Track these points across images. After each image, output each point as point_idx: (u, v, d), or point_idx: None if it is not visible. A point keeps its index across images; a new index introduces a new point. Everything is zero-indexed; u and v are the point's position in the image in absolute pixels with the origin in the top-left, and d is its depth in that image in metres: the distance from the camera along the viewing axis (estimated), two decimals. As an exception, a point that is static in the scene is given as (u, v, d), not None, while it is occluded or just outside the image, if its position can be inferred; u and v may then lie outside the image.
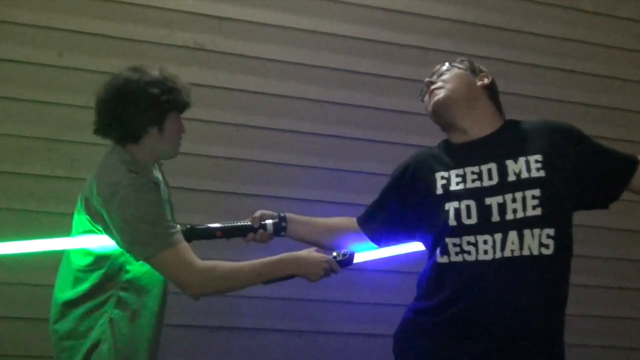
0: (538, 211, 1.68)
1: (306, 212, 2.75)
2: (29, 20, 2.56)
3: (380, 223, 1.96)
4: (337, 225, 2.05)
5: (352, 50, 2.90)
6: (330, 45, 2.87)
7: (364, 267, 2.80)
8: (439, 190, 1.78)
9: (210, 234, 1.99)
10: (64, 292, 1.95)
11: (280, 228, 2.00)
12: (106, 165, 1.88)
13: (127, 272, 1.87)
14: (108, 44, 2.63)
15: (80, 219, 1.90)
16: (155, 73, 1.90)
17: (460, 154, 1.84)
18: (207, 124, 2.71)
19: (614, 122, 3.18)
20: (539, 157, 1.76)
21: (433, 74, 1.94)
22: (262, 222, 2.00)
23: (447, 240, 1.71)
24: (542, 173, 1.73)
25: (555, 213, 1.71)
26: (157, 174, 2.01)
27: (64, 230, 2.53)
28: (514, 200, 1.70)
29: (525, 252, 1.66)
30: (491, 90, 1.92)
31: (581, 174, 1.82)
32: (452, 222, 1.72)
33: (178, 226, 1.89)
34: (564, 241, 1.70)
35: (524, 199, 1.70)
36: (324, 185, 2.82)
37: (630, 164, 1.91)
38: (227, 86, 2.75)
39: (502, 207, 1.70)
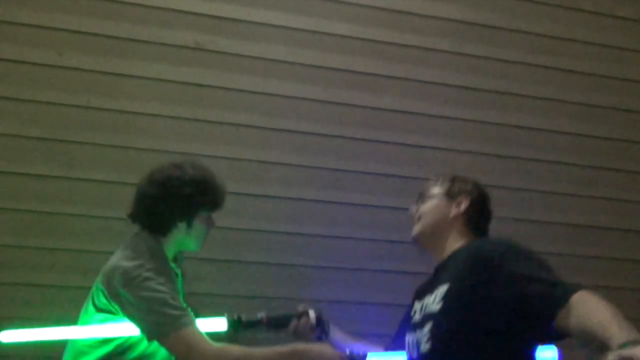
0: (429, 345, 1.68)
1: (306, 212, 2.77)
2: (29, 20, 2.56)
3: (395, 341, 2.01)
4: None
5: (352, 50, 2.89)
6: (330, 45, 2.87)
7: (365, 267, 2.81)
8: (412, 320, 1.86)
9: (256, 322, 2.08)
10: None
11: (322, 322, 2.07)
12: (131, 248, 1.99)
13: (134, 351, 1.93)
14: (108, 44, 2.63)
15: (97, 293, 1.99)
16: (193, 172, 2.04)
17: (429, 280, 1.88)
18: (207, 124, 2.71)
19: (614, 122, 3.18)
20: (445, 287, 1.70)
21: (418, 198, 2.00)
22: (305, 310, 2.07)
23: None
24: (439, 306, 1.69)
25: (448, 348, 1.63)
26: (176, 266, 2.10)
27: (64, 230, 2.54)
28: (419, 336, 1.74)
29: None
30: (468, 216, 1.91)
31: (493, 306, 1.58)
32: (408, 353, 1.82)
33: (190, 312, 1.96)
34: None
35: (422, 333, 1.71)
36: (324, 185, 2.82)
37: (553, 303, 1.52)
38: (227, 86, 2.74)
39: (413, 344, 1.78)
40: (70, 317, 2.52)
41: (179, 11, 2.71)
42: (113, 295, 1.93)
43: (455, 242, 1.86)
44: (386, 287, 2.78)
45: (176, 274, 2.07)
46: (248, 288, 2.69)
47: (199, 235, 2.08)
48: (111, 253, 2.59)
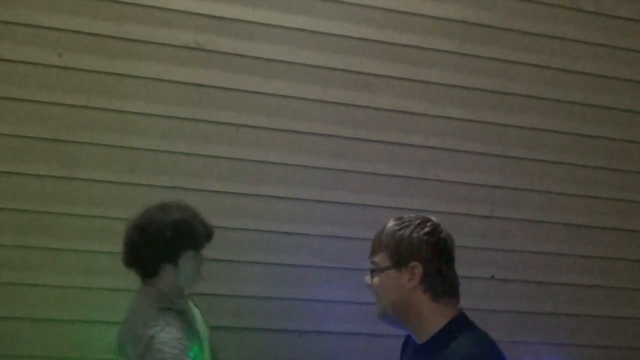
0: None
1: (306, 212, 2.77)
2: (29, 20, 2.56)
3: None
4: None
5: (352, 50, 2.89)
6: (330, 45, 2.87)
7: (364, 266, 2.80)
8: None
9: None
10: None
11: None
12: (137, 312, 2.04)
13: None
14: (108, 44, 2.63)
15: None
16: (176, 215, 2.07)
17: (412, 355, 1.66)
18: (207, 124, 2.71)
19: (614, 122, 3.19)
20: None
21: (369, 264, 1.69)
22: None
23: None
24: None
25: None
26: (187, 302, 2.17)
27: (64, 230, 2.55)
28: None
29: None
30: (428, 285, 1.60)
31: None
32: None
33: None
34: None
35: None
36: (324, 185, 2.82)
37: None
38: (227, 86, 2.74)
39: None
40: (70, 317, 2.54)
41: (179, 11, 2.71)
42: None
43: (431, 319, 1.59)
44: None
45: (187, 311, 2.12)
46: (248, 288, 2.70)
47: (188, 274, 2.11)
48: (111, 253, 2.61)
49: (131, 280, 2.58)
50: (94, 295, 2.55)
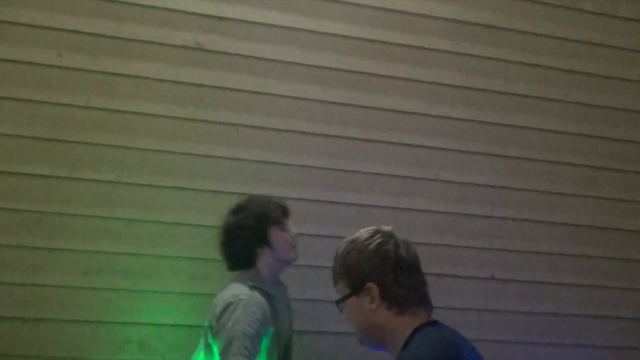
0: None
1: (306, 212, 2.77)
2: (29, 20, 2.56)
3: None
4: None
5: (352, 50, 2.89)
6: (330, 45, 2.87)
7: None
8: None
9: None
10: None
11: None
12: (230, 286, 2.21)
13: None
14: (108, 44, 2.63)
15: (205, 329, 2.19)
16: (249, 205, 2.32)
17: None
18: (207, 124, 2.71)
19: (614, 122, 3.19)
20: None
21: None
22: None
23: None
24: None
25: None
26: (278, 287, 2.35)
27: (64, 230, 2.54)
28: None
29: None
30: (388, 302, 1.55)
31: None
32: None
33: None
34: None
35: None
36: (324, 185, 2.82)
37: None
38: (227, 86, 2.74)
39: None
40: (70, 318, 2.54)
41: (179, 11, 2.71)
42: (214, 328, 2.13)
43: (400, 334, 1.54)
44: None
45: (276, 295, 2.26)
46: (248, 288, 2.69)
47: (285, 248, 2.30)
48: (111, 253, 2.61)
49: (131, 280, 2.59)
50: (94, 295, 2.55)
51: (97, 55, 2.62)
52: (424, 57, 2.97)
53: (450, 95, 3.00)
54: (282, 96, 2.80)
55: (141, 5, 2.67)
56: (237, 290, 2.15)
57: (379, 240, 1.60)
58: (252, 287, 2.17)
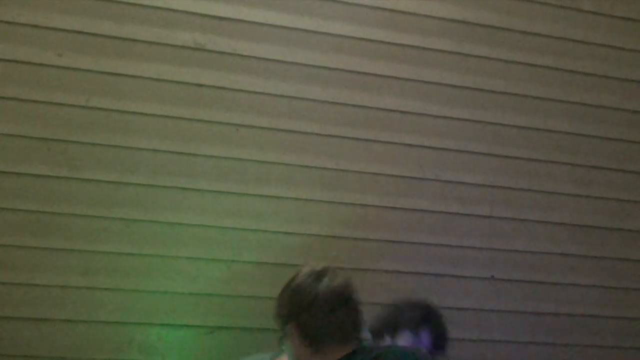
0: None
1: (306, 211, 2.77)
2: (29, 20, 2.56)
3: None
4: None
5: (352, 50, 2.89)
6: (330, 45, 2.87)
7: (364, 266, 2.81)
8: None
9: None
10: None
11: None
12: None
13: None
14: (108, 44, 2.63)
15: None
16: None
17: None
18: (207, 124, 2.71)
19: (614, 122, 3.19)
20: None
21: None
22: None
23: None
24: None
25: None
26: None
27: (64, 230, 2.54)
28: None
29: None
30: (302, 339, 1.57)
31: None
32: None
33: None
34: None
35: None
36: (324, 185, 2.82)
37: None
38: (227, 86, 2.74)
39: None
40: (70, 318, 2.54)
41: (179, 11, 2.71)
42: None
43: None
44: (386, 287, 2.78)
45: None
46: (248, 288, 2.69)
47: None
48: (111, 253, 2.61)
49: (131, 280, 2.59)
50: (93, 295, 2.55)
51: (97, 55, 2.62)
52: (424, 57, 2.97)
53: (450, 95, 3.00)
54: (282, 96, 2.80)
55: (141, 5, 2.67)
56: None
57: (300, 280, 1.63)
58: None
